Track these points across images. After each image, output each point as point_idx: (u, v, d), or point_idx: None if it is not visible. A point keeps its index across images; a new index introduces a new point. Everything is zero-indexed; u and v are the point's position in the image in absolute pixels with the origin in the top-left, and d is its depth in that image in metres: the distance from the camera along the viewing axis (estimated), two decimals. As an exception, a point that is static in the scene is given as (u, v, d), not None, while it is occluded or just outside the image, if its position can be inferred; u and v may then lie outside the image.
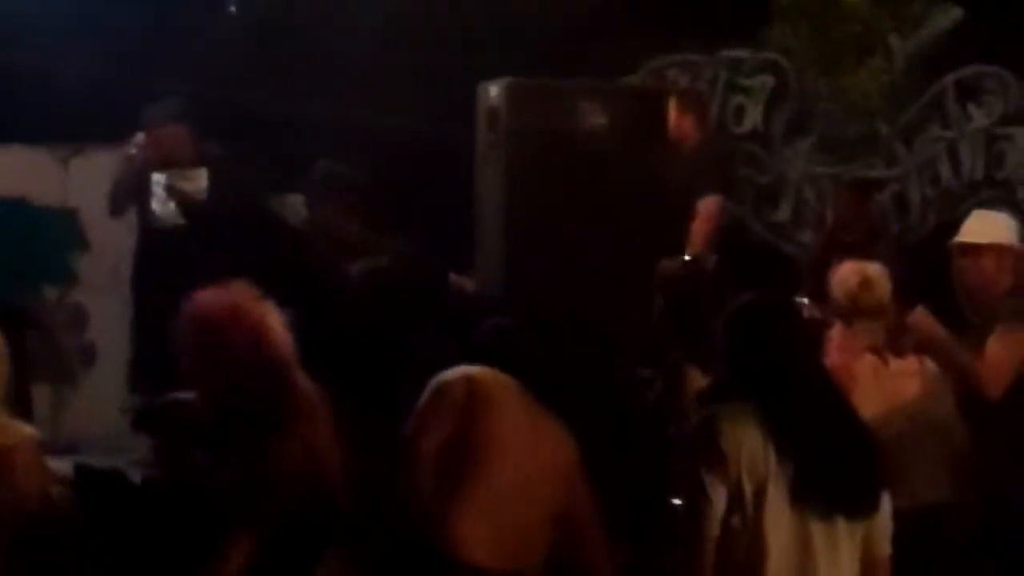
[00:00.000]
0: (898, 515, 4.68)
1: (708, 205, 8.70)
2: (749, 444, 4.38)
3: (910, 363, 6.14)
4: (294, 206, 8.11)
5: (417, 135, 9.06)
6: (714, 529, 4.38)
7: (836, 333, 6.15)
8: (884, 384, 6.02)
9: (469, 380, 5.13)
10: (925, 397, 6.10)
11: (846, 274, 6.23)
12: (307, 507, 4.33)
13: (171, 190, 8.44)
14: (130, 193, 8.56)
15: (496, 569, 5.04)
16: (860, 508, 4.49)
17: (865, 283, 6.14)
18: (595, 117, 7.71)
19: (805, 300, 7.00)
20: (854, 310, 6.14)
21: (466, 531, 5.02)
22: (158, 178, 8.43)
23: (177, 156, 8.47)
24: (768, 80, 9.98)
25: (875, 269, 6.25)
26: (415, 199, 8.63)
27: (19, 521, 4.19)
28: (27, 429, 4.40)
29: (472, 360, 5.26)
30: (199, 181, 8.43)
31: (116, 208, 8.67)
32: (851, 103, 9.70)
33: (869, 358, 6.08)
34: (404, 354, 6.75)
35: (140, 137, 8.48)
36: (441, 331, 6.46)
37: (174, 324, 4.51)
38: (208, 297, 4.46)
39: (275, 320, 4.47)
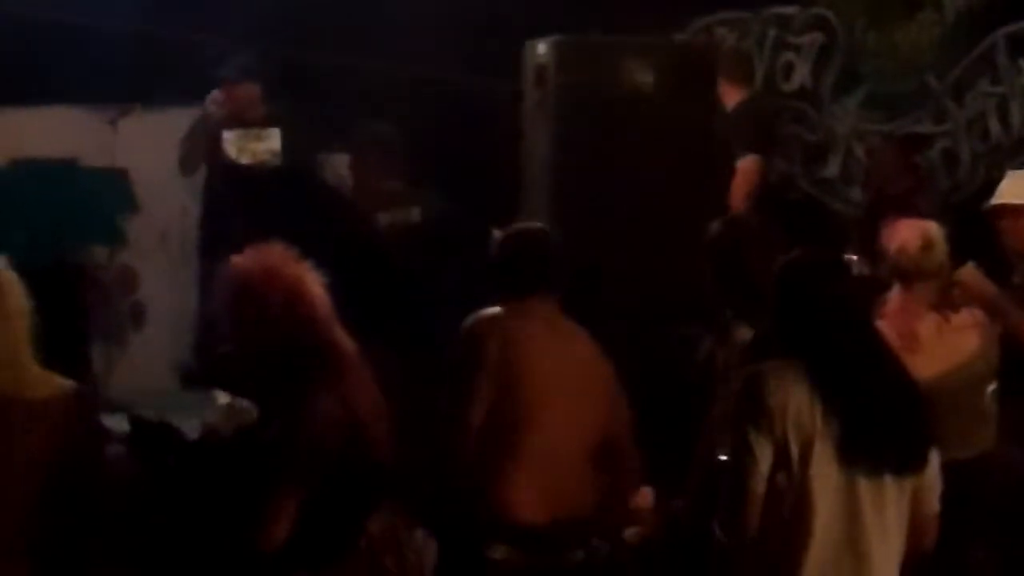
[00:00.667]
0: (956, 465, 4.67)
1: (746, 164, 8.70)
2: (796, 401, 4.37)
3: (967, 316, 6.09)
4: (336, 166, 8.12)
5: (465, 92, 9.06)
6: (760, 486, 4.37)
7: (896, 295, 6.08)
8: (948, 341, 5.97)
9: (502, 329, 5.13)
10: (983, 347, 6.07)
11: (906, 237, 6.10)
12: (351, 463, 4.34)
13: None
14: (202, 151, 8.54)
15: (551, 523, 5.06)
16: (908, 465, 4.46)
17: (927, 245, 6.04)
18: (642, 74, 7.69)
19: (854, 257, 6.96)
20: (916, 272, 6.05)
21: (519, 494, 5.05)
22: (229, 136, 8.42)
23: (250, 114, 8.44)
24: (817, 37, 9.92)
25: (934, 229, 6.14)
26: (461, 156, 8.63)
27: (58, 476, 4.12)
28: (64, 382, 4.25)
29: (496, 266, 5.27)
30: (271, 141, 8.41)
31: (187, 166, 8.65)
32: (900, 58, 9.62)
33: (932, 317, 6.03)
34: (439, 305, 6.77)
35: (216, 94, 8.47)
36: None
37: (212, 286, 4.53)
38: (243, 259, 4.46)
39: (312, 280, 4.47)
